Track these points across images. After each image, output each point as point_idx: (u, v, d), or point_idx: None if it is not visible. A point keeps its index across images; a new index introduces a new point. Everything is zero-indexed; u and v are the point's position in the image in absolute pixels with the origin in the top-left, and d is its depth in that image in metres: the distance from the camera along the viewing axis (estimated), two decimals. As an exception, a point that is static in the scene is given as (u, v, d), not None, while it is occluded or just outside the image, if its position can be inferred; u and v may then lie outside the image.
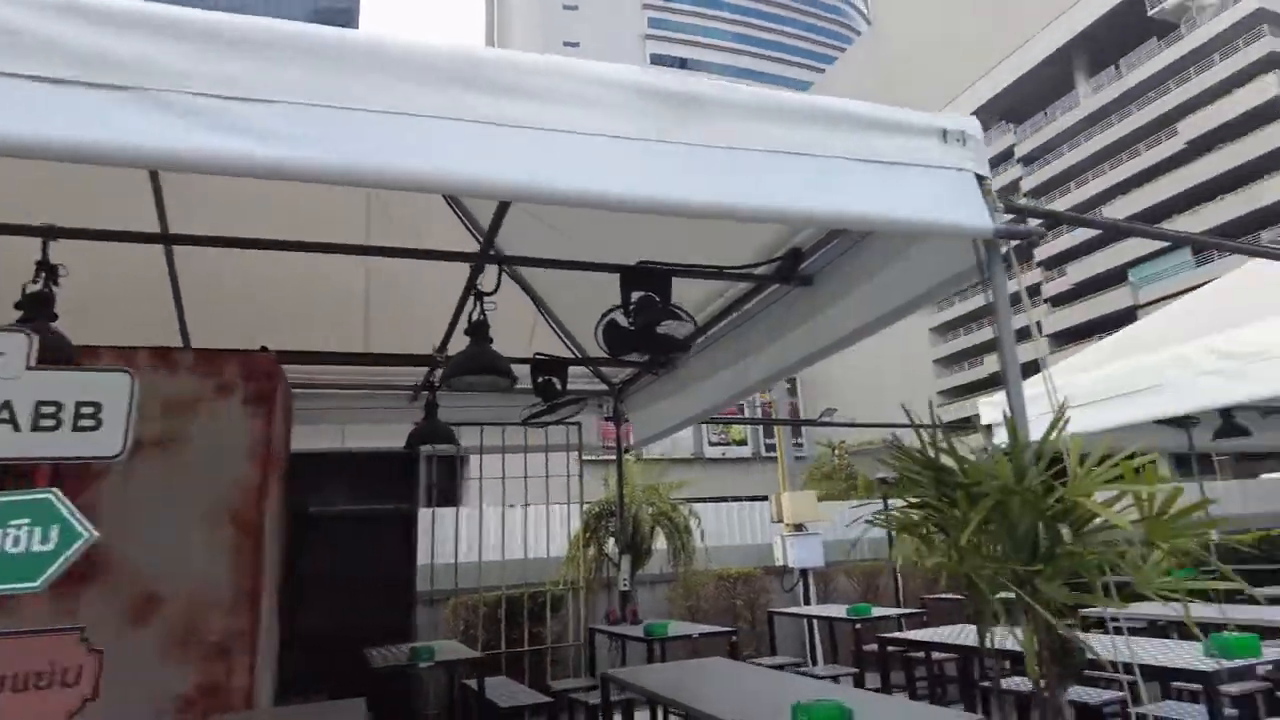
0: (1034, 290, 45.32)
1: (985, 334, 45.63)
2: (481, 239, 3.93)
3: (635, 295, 3.13)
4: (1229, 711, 3.70)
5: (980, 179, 2.33)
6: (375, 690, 4.66)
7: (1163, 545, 1.82)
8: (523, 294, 4.64)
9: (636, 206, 1.99)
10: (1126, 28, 40.98)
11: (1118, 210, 39.29)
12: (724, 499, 9.67)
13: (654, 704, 3.09)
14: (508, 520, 6.86)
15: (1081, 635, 1.93)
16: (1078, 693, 3.85)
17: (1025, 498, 1.82)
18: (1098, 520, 1.87)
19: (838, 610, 5.83)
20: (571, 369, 5.40)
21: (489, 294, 3.24)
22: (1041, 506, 1.82)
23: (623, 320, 3.14)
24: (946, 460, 2.00)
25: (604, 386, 5.84)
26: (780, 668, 5.64)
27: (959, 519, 1.91)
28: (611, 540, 6.37)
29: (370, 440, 5.60)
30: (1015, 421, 2.09)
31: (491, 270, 3.38)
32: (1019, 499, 1.83)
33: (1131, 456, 1.84)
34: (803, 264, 3.41)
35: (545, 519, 6.52)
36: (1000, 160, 47.36)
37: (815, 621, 6.93)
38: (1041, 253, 44.37)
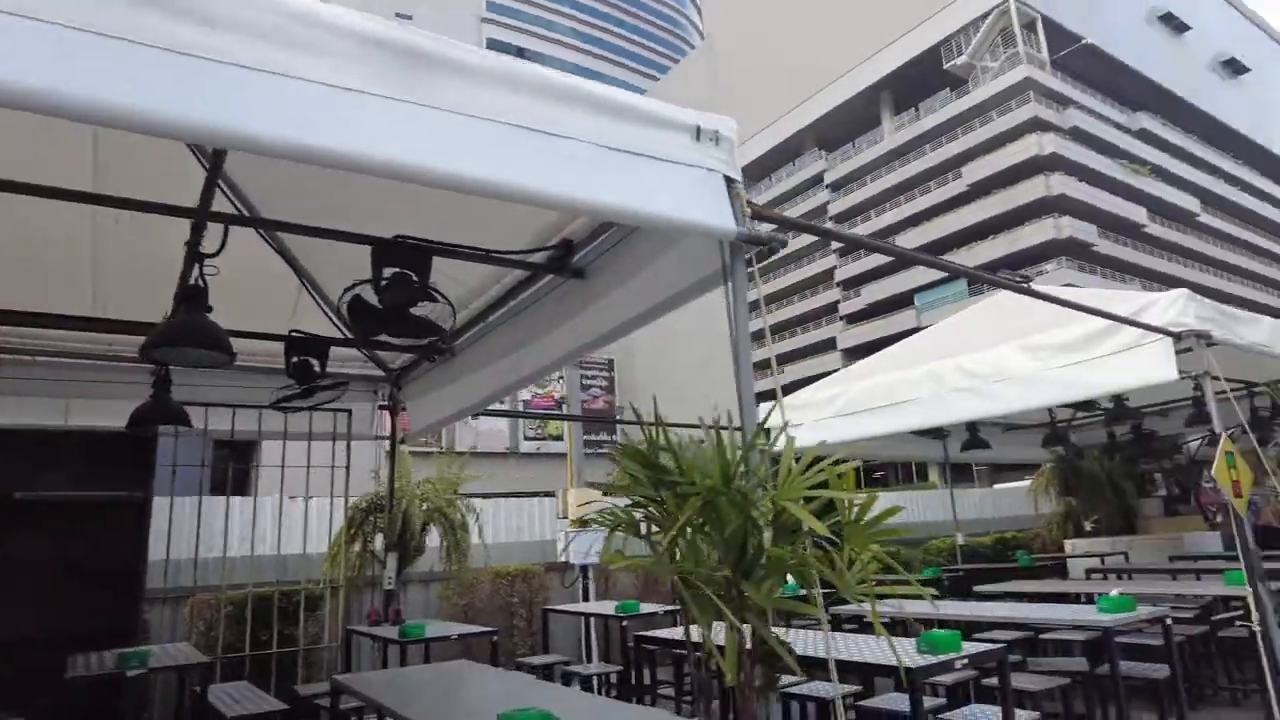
0: (832, 308, 48.87)
1: (786, 345, 48.61)
2: (228, 194, 3.52)
3: (388, 272, 2.89)
4: (934, 700, 4.04)
5: (730, 181, 2.33)
6: (85, 700, 4.08)
7: (858, 550, 1.87)
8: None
9: (355, 165, 1.81)
10: (926, 75, 45.19)
11: (910, 240, 43.11)
12: (526, 494, 9.46)
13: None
14: (271, 512, 6.30)
15: (785, 635, 1.96)
16: (814, 688, 4.05)
17: (732, 499, 1.81)
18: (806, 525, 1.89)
19: (610, 607, 5.83)
20: (344, 351, 5.01)
21: (211, 256, 2.86)
22: (747, 509, 1.81)
23: (372, 297, 2.89)
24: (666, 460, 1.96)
25: (380, 372, 5.48)
26: (549, 667, 5.56)
27: (672, 518, 1.87)
28: (379, 537, 6.00)
29: (100, 418, 4.88)
30: (743, 420, 2.09)
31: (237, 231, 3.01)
32: (726, 500, 1.81)
33: (837, 464, 1.88)
34: (575, 256, 3.32)
35: (305, 512, 6.00)
36: (811, 185, 50.62)
37: (591, 619, 6.92)
38: (841, 274, 47.90)
